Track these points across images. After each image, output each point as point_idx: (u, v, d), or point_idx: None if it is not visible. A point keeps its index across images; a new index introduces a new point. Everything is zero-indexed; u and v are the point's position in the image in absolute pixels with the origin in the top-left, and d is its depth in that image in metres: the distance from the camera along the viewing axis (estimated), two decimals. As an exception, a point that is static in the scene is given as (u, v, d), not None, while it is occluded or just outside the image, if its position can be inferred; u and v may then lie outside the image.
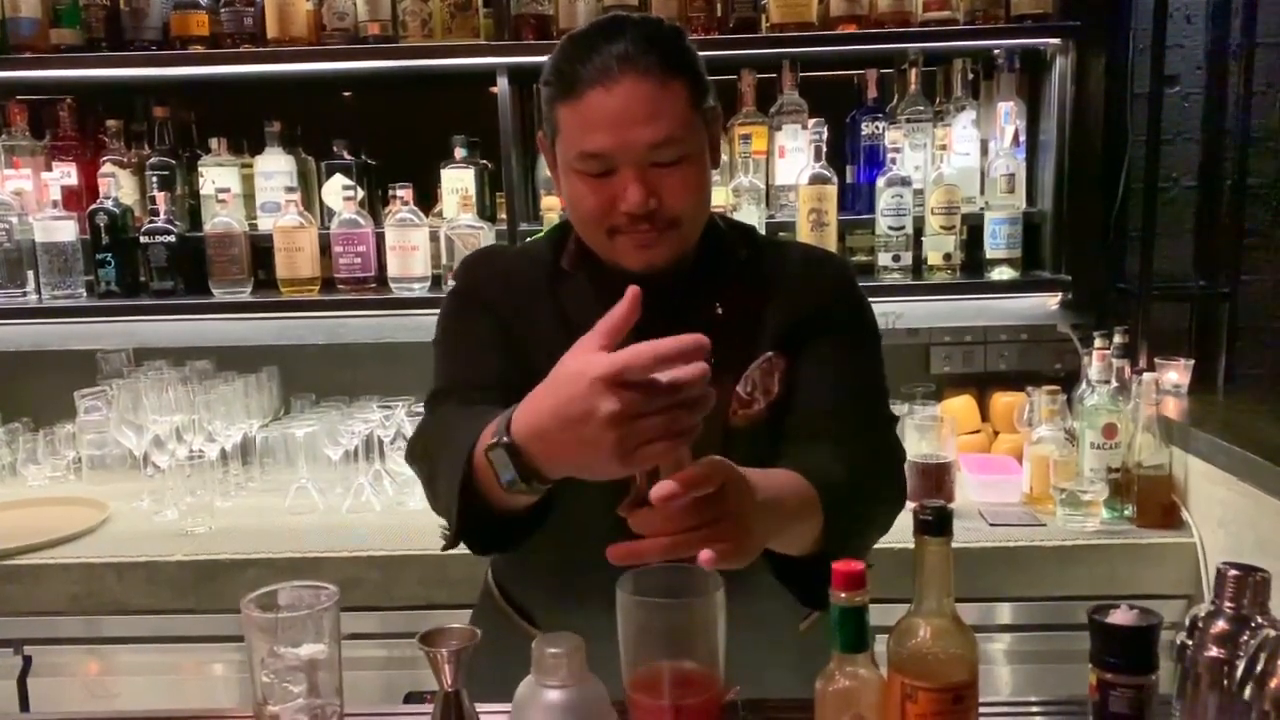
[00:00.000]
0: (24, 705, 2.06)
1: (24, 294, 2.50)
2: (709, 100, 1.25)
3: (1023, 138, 2.40)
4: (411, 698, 1.94)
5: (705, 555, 0.93)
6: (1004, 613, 2.04)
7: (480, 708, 1.03)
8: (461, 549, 1.36)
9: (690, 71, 1.21)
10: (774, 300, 1.32)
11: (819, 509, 1.12)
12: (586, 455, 0.94)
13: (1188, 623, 0.96)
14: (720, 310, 1.29)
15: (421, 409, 2.24)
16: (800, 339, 1.30)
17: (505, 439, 0.99)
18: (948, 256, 2.37)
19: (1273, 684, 0.86)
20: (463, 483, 1.07)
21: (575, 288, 1.33)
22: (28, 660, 2.06)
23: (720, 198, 2.35)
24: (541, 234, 1.52)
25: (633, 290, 0.96)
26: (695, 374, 0.92)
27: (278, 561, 2.02)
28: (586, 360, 0.94)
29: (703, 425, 0.95)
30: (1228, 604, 0.93)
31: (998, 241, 2.37)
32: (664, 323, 1.28)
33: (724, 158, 2.39)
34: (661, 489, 0.92)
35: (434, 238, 2.44)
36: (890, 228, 2.36)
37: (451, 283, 1.44)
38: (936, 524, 0.89)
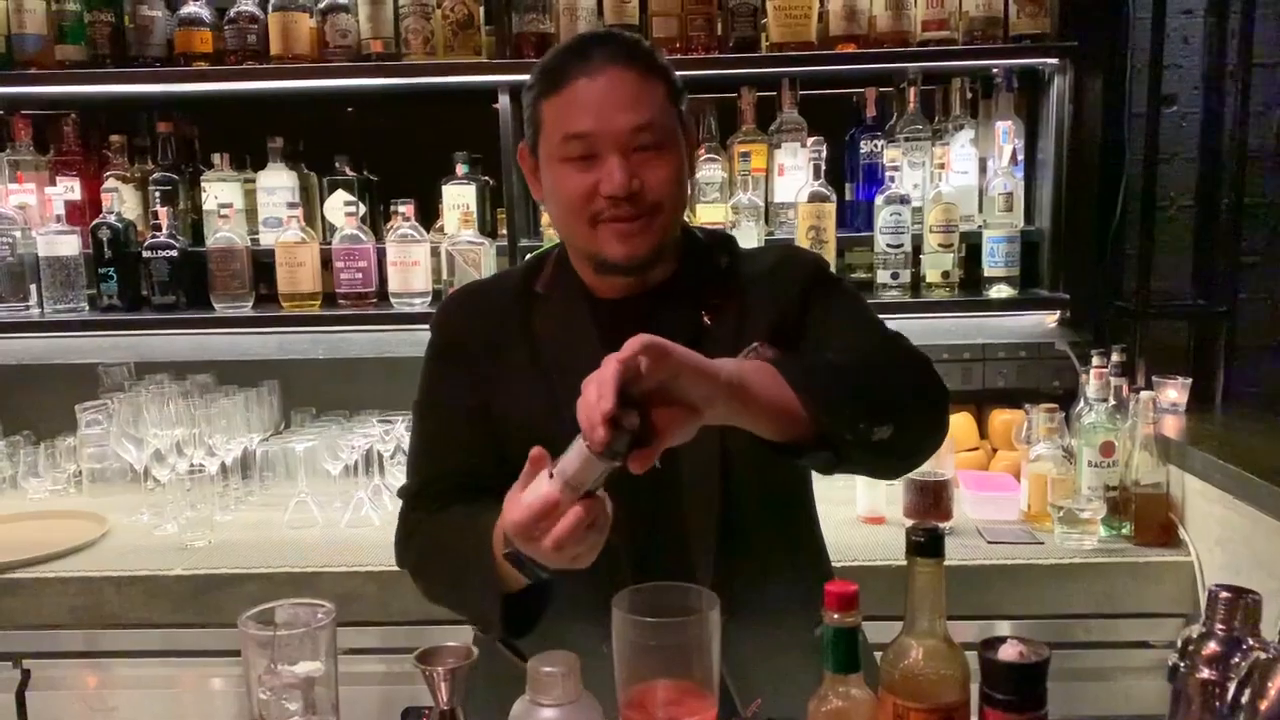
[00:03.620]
0: (22, 719, 2.06)
1: (26, 307, 2.51)
2: (684, 104, 1.31)
3: (1021, 156, 2.41)
4: (409, 713, 1.94)
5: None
6: (1001, 630, 2.04)
7: (476, 726, 1.03)
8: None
9: (668, 76, 1.28)
10: (756, 301, 1.34)
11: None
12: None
13: (1180, 644, 0.96)
14: (708, 320, 1.31)
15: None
16: (787, 329, 1.32)
17: (507, 549, 1.08)
18: (946, 274, 2.38)
19: (1263, 706, 0.86)
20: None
21: (546, 309, 1.36)
22: (26, 674, 2.06)
23: (719, 215, 2.37)
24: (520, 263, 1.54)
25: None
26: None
27: (276, 576, 2.03)
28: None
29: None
30: (1219, 626, 0.93)
31: (996, 259, 2.38)
32: (653, 334, 1.30)
33: (723, 175, 2.41)
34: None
35: (435, 253, 2.45)
36: (889, 245, 2.37)
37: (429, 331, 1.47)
38: (928, 545, 0.90)
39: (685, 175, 1.31)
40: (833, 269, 1.45)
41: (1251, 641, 0.92)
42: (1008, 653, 0.90)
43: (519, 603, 1.20)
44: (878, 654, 1.05)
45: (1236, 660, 0.91)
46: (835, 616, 0.88)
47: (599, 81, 1.22)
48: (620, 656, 0.97)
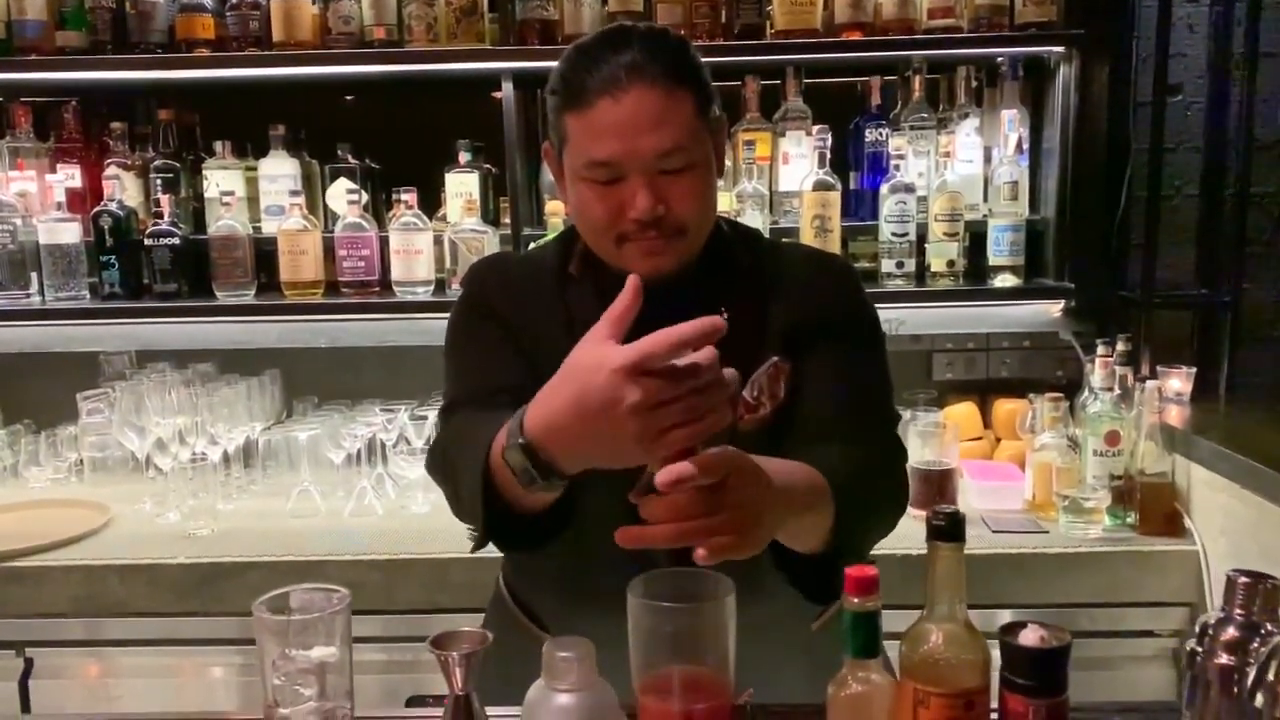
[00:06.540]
0: (25, 707, 2.05)
1: (27, 296, 2.50)
2: (714, 110, 1.27)
3: (1026, 145, 2.41)
4: (413, 702, 1.94)
5: (700, 553, 0.94)
6: (1006, 619, 2.03)
7: (490, 711, 1.03)
8: (466, 551, 1.35)
9: (696, 82, 1.22)
10: (778, 303, 1.32)
11: (829, 502, 1.13)
12: (607, 445, 0.96)
13: (1197, 629, 0.96)
14: (726, 315, 1.29)
15: (423, 414, 2.27)
16: (804, 341, 1.31)
17: (520, 439, 1.01)
18: (951, 263, 2.38)
19: (1283, 691, 0.86)
20: (484, 486, 1.08)
21: (582, 293, 1.33)
22: (29, 662, 2.06)
23: (724, 203, 2.36)
24: (548, 239, 1.52)
25: (633, 280, 0.99)
26: (707, 358, 0.95)
27: (280, 565, 2.02)
28: (604, 352, 0.95)
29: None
30: (1238, 611, 0.93)
31: (1001, 249, 2.37)
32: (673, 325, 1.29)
33: (728, 163, 2.40)
34: (667, 474, 0.93)
35: (438, 242, 2.45)
36: (894, 234, 2.36)
37: (457, 288, 1.44)
38: (949, 529, 0.89)
39: (713, 188, 1.28)
40: (861, 284, 1.42)
41: (1270, 626, 0.92)
42: (1029, 638, 0.90)
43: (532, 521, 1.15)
44: (889, 643, 1.05)
45: (1255, 645, 0.91)
46: (855, 601, 0.88)
47: (623, 104, 1.17)
48: (635, 642, 0.97)
